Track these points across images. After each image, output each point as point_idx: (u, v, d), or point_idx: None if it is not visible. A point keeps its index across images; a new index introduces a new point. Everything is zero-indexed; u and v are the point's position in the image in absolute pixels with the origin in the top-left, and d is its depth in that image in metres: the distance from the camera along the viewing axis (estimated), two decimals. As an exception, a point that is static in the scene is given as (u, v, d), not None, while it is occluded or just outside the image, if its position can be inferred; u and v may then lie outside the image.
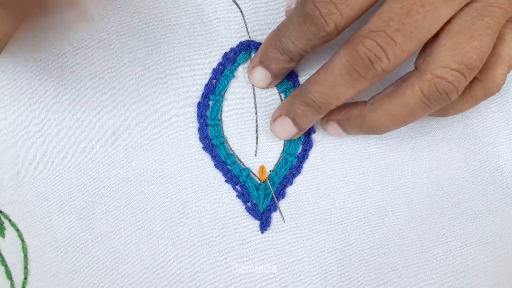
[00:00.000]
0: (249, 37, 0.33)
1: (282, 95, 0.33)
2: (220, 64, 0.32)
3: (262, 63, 0.31)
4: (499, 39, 0.28)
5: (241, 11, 0.33)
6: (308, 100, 0.29)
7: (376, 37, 0.25)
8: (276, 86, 0.33)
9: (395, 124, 0.28)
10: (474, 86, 0.29)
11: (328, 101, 0.28)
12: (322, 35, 0.27)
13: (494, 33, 0.26)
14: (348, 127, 0.30)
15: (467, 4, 0.26)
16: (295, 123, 0.30)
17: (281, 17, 0.33)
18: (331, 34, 0.27)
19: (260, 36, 0.33)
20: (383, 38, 0.25)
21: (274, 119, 0.31)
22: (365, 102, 0.29)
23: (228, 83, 0.32)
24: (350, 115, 0.30)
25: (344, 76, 0.27)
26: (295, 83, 0.33)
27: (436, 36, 0.26)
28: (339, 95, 0.28)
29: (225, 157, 0.32)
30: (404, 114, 0.28)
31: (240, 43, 0.33)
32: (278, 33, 0.29)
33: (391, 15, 0.25)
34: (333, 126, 0.31)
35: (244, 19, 0.33)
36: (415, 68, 0.28)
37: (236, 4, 0.33)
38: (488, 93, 0.29)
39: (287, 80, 0.33)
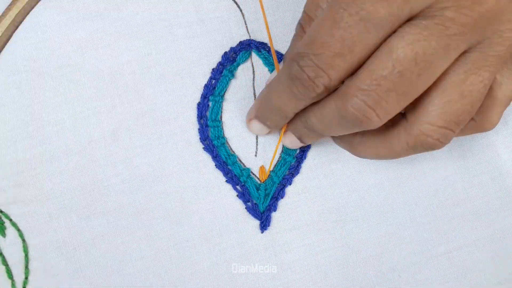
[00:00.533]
0: (249, 36, 0.33)
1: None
2: (220, 63, 0.32)
3: (258, 118, 0.31)
4: (495, 80, 0.27)
5: (241, 11, 0.33)
6: (310, 129, 0.29)
7: (365, 96, 0.24)
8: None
9: (380, 159, 0.29)
10: (469, 124, 0.28)
11: (326, 135, 0.29)
12: (313, 96, 0.26)
13: (488, 83, 0.25)
14: (340, 143, 0.31)
15: (463, 53, 0.25)
16: (301, 142, 0.31)
17: (281, 17, 0.33)
18: (322, 94, 0.26)
19: (260, 35, 0.33)
20: (372, 99, 0.24)
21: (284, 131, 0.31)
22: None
23: (227, 84, 0.32)
24: (343, 136, 0.30)
25: (338, 124, 0.26)
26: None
27: (427, 89, 0.25)
28: (334, 133, 0.28)
29: (226, 157, 0.32)
30: (389, 154, 0.28)
31: (240, 42, 0.32)
32: (269, 93, 0.28)
33: (383, 73, 0.23)
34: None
35: (244, 18, 0.33)
36: (405, 113, 0.27)
37: (236, 4, 0.33)
38: (481, 131, 0.28)
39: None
